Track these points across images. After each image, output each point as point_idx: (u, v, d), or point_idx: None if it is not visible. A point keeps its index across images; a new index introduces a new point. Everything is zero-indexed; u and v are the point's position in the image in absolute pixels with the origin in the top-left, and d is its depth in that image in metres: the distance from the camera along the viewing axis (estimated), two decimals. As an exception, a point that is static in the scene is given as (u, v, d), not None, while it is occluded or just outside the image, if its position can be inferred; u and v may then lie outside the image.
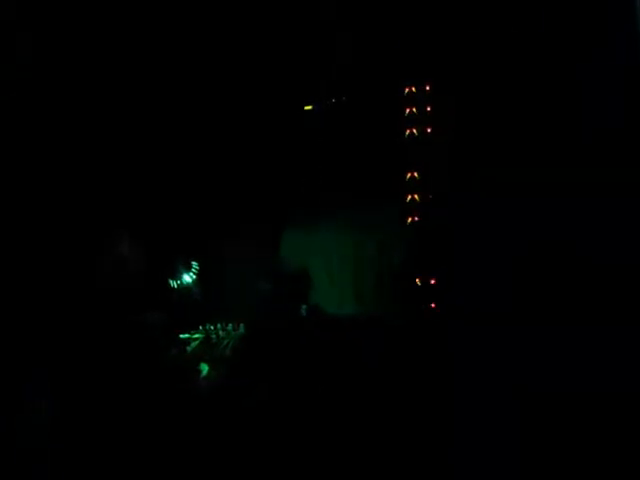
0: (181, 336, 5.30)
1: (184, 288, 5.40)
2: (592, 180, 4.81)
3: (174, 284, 5.39)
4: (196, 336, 5.33)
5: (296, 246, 5.62)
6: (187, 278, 5.40)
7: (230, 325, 5.35)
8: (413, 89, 5.70)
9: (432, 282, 5.54)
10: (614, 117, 4.90)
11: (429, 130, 5.67)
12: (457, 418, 4.29)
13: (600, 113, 4.94)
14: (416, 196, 5.63)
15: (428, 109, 5.68)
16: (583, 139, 4.98)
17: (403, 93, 5.73)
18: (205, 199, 5.54)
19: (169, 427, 4.74)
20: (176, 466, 4.53)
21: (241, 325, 5.34)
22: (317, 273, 5.58)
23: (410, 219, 5.63)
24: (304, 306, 5.25)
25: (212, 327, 5.34)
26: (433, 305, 5.52)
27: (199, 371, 5.10)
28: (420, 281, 5.55)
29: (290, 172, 5.82)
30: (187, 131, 5.66)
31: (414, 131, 5.69)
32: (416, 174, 5.63)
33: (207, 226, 5.46)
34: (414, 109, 5.71)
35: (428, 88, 5.69)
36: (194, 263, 5.44)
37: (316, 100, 5.87)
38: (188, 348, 5.25)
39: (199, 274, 5.42)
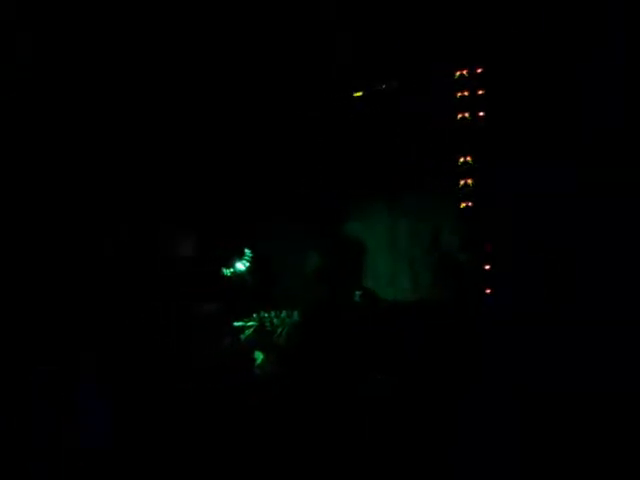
0: (235, 324, 5.30)
1: (237, 276, 5.40)
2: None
3: (227, 272, 5.39)
4: (250, 324, 5.32)
5: (349, 232, 5.60)
6: (240, 266, 5.40)
7: (284, 312, 5.32)
8: (465, 72, 5.64)
9: (486, 268, 5.49)
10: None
11: (481, 114, 5.59)
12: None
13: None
14: (469, 181, 5.57)
15: (480, 92, 5.61)
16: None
17: (454, 77, 5.67)
18: (258, 186, 5.55)
19: (225, 416, 4.73)
20: (232, 455, 4.50)
21: (295, 312, 5.31)
22: (369, 259, 5.54)
23: (464, 204, 5.56)
24: (358, 292, 5.19)
25: (266, 315, 5.32)
26: (488, 291, 5.46)
27: (254, 359, 5.09)
28: (474, 267, 5.49)
29: (342, 158, 5.80)
30: (225, 122, 5.68)
31: (466, 115, 5.62)
32: (469, 158, 5.57)
33: (260, 213, 5.47)
34: (465, 93, 5.64)
35: (480, 71, 5.62)
36: (247, 251, 5.44)
37: (366, 86, 5.84)
38: (242, 336, 5.24)
39: (252, 262, 5.41)
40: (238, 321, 5.33)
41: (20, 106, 4.84)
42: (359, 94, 5.86)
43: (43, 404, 4.18)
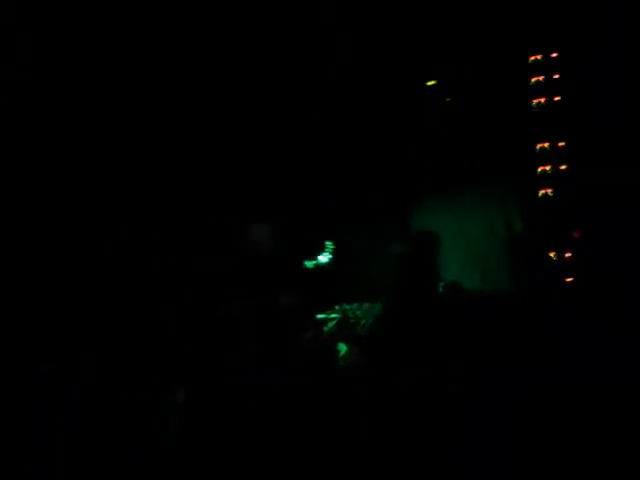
0: (318, 316, 5.29)
1: (320, 268, 5.39)
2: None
3: (310, 265, 5.38)
4: (333, 316, 5.31)
5: (427, 222, 5.56)
6: (322, 258, 5.39)
7: (366, 304, 5.31)
8: (539, 57, 5.57)
9: (567, 255, 5.43)
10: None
11: (557, 99, 5.52)
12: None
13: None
14: (547, 168, 5.50)
15: (556, 77, 5.54)
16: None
17: (528, 62, 5.61)
18: (337, 178, 5.54)
19: (310, 409, 4.70)
20: (319, 450, 4.46)
21: (377, 304, 5.29)
22: (448, 249, 5.49)
23: (542, 191, 5.50)
24: (441, 283, 5.15)
25: (348, 307, 5.31)
26: (569, 279, 5.40)
27: (337, 351, 5.07)
28: (555, 255, 5.43)
29: (416, 148, 5.76)
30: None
31: (542, 101, 5.55)
32: (547, 145, 5.50)
33: (341, 205, 5.46)
34: (541, 78, 5.57)
35: (555, 55, 5.55)
36: (329, 243, 5.42)
37: (438, 76, 5.81)
38: (325, 328, 5.23)
39: (334, 254, 5.40)
40: (321, 314, 5.32)
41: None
42: (432, 83, 5.83)
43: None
